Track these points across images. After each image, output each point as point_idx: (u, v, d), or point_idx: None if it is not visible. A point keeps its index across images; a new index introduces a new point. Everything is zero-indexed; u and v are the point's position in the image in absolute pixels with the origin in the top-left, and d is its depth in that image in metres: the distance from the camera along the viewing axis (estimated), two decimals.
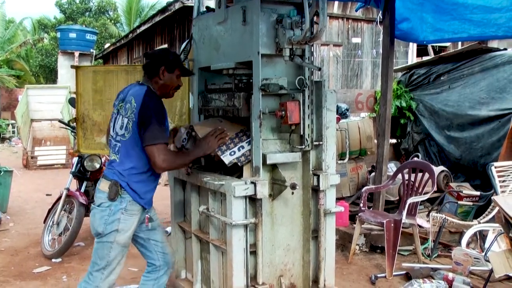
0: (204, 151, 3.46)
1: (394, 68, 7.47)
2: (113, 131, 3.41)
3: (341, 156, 6.30)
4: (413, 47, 13.24)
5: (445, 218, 5.64)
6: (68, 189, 5.84)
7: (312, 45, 3.60)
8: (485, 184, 6.59)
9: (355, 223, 5.61)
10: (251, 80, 3.52)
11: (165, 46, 14.68)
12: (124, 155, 3.30)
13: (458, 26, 5.98)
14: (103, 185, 3.31)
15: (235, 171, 3.75)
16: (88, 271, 3.41)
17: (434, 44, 11.02)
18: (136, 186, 3.30)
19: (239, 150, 3.60)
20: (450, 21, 5.98)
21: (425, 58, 10.08)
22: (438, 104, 7.97)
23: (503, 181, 5.14)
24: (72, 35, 19.02)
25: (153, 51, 3.70)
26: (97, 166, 6.00)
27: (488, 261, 4.42)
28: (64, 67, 17.99)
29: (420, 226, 5.69)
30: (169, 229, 5.81)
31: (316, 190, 3.71)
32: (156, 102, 3.31)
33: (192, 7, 4.47)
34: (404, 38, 6.66)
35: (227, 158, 3.55)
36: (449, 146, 7.72)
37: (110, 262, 3.33)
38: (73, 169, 6.06)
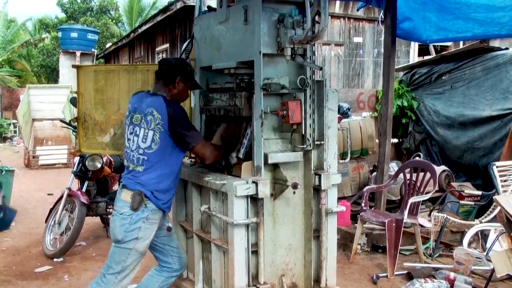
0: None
1: (396, 67, 7.46)
2: (132, 144, 3.44)
3: (342, 155, 6.30)
4: (414, 47, 13.21)
5: (446, 217, 5.64)
6: (69, 189, 5.84)
7: (314, 45, 3.60)
8: (487, 183, 6.59)
9: (356, 223, 5.61)
10: (252, 80, 3.52)
11: (167, 45, 14.68)
12: (150, 166, 3.38)
13: (462, 25, 5.98)
14: (125, 195, 3.36)
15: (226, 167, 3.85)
16: (101, 273, 3.45)
17: (436, 44, 11.00)
18: (161, 193, 3.40)
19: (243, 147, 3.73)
20: (454, 20, 5.97)
21: (426, 58, 10.06)
22: (440, 104, 7.96)
23: (505, 180, 5.14)
24: (74, 34, 19.02)
25: (171, 59, 3.86)
26: (99, 165, 6.00)
27: (489, 260, 4.41)
28: (66, 67, 17.98)
29: (421, 226, 5.68)
30: None
31: (317, 190, 3.71)
32: (179, 108, 3.48)
33: (193, 6, 4.47)
34: (406, 37, 6.65)
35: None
36: (452, 145, 7.71)
37: (125, 268, 3.40)
38: (74, 169, 6.06)
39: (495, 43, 8.95)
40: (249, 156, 3.68)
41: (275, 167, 3.60)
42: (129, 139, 3.49)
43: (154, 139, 3.36)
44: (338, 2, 12.02)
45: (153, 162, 3.37)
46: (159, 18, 13.82)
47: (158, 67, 3.63)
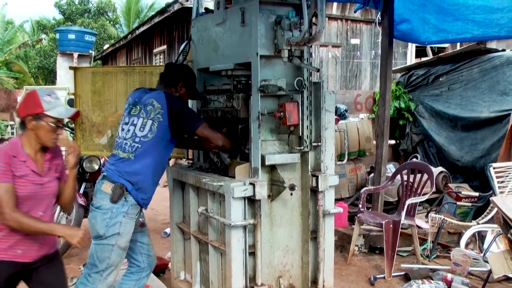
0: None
1: (393, 69, 7.48)
2: (127, 133, 3.45)
3: (340, 157, 6.29)
4: (412, 48, 13.24)
5: (444, 219, 5.65)
6: None
7: (311, 46, 3.60)
8: (484, 185, 6.60)
9: (354, 224, 5.62)
10: (250, 81, 3.52)
11: (164, 47, 14.69)
12: (142, 154, 3.37)
13: (461, 26, 6.00)
14: (106, 187, 3.33)
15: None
16: (85, 273, 3.45)
17: (433, 45, 11.02)
18: (142, 188, 3.39)
19: None
20: (453, 21, 5.99)
21: (423, 59, 10.08)
22: (439, 106, 7.97)
23: (502, 182, 5.14)
24: (71, 36, 18.99)
25: (176, 64, 3.91)
26: (96, 167, 5.99)
27: (486, 261, 4.42)
28: (63, 68, 17.95)
29: (419, 227, 5.70)
30: (168, 230, 5.82)
31: (315, 191, 3.71)
32: (180, 100, 3.55)
33: (191, 8, 4.47)
34: (403, 38, 6.68)
35: None
36: (449, 147, 7.72)
37: (110, 265, 3.39)
38: None
39: (492, 45, 8.97)
40: (242, 157, 3.71)
41: (272, 168, 3.60)
42: (123, 129, 3.50)
43: (152, 128, 3.38)
44: (335, 4, 12.04)
45: (146, 151, 3.37)
46: (156, 20, 13.82)
47: (164, 69, 3.73)
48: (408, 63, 12.17)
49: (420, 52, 13.11)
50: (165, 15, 12.89)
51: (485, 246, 4.93)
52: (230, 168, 3.76)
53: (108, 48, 22.00)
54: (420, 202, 5.68)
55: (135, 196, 3.36)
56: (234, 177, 3.60)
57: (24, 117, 2.81)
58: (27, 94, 2.89)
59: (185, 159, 4.41)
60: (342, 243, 5.84)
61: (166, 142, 3.46)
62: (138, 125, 3.43)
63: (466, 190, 6.74)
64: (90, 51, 19.53)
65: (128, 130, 3.46)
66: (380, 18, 6.35)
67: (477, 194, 6.52)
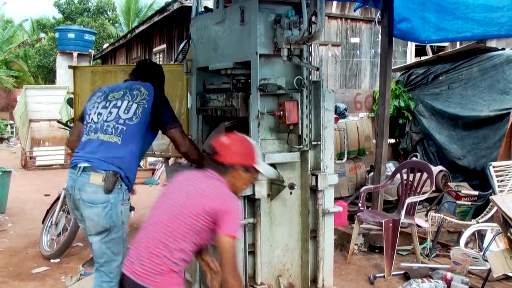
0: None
1: (393, 68, 7.48)
2: (109, 115, 3.36)
3: (339, 156, 6.29)
4: (411, 47, 13.24)
5: (443, 217, 5.64)
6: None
7: (310, 45, 3.61)
8: (484, 183, 6.59)
9: (353, 223, 5.62)
10: (249, 80, 3.52)
11: (164, 46, 14.69)
12: (128, 139, 3.29)
13: (461, 25, 5.99)
14: (95, 178, 3.18)
15: None
16: (101, 274, 3.34)
17: (433, 44, 11.03)
18: (131, 173, 3.31)
19: None
20: (453, 20, 5.99)
21: (423, 58, 10.08)
22: (439, 105, 7.97)
23: (501, 180, 5.14)
24: (71, 35, 18.99)
25: (152, 62, 3.89)
26: None
27: (486, 260, 4.42)
28: (63, 68, 17.95)
29: (418, 226, 5.69)
30: None
31: (314, 190, 3.71)
32: (167, 99, 3.52)
33: (190, 7, 4.47)
34: (403, 37, 6.68)
35: None
36: (450, 146, 7.72)
37: (122, 254, 3.32)
38: None
39: (491, 44, 8.96)
40: None
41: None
42: (100, 113, 3.39)
43: (137, 112, 3.33)
44: (335, 3, 12.03)
45: (132, 135, 3.30)
46: (156, 19, 13.82)
47: (140, 66, 3.72)
48: (408, 62, 12.17)
49: (419, 51, 13.11)
50: (165, 14, 12.90)
51: (485, 245, 4.93)
52: None
53: (107, 47, 22.00)
54: (420, 201, 5.68)
55: (126, 183, 3.27)
56: None
57: (235, 163, 2.68)
58: (241, 141, 2.77)
59: (184, 159, 4.40)
60: (342, 242, 5.84)
61: (147, 129, 3.40)
62: (122, 107, 3.36)
63: (466, 189, 6.73)
64: (90, 50, 19.53)
65: (110, 113, 3.36)
66: (379, 17, 6.35)
67: (476, 193, 6.52)
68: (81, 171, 3.22)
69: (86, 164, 3.22)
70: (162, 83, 3.81)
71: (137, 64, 3.81)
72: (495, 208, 4.83)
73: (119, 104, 3.38)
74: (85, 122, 3.48)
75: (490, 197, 5.05)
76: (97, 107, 3.45)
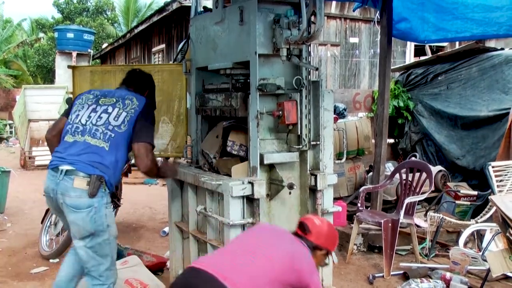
0: (168, 176, 3.97)
1: (392, 68, 7.47)
2: (98, 120, 3.37)
3: (338, 156, 6.30)
4: (410, 47, 13.24)
5: (442, 217, 5.65)
6: None
7: (310, 45, 3.61)
8: (483, 183, 6.60)
9: (352, 223, 5.62)
10: (248, 80, 3.52)
11: (163, 46, 14.68)
12: (115, 146, 3.30)
13: (461, 25, 6.00)
14: (80, 182, 3.15)
15: None
16: (92, 277, 3.35)
17: (432, 44, 11.03)
18: (114, 179, 3.33)
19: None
20: (452, 20, 5.99)
21: (422, 58, 10.08)
22: (438, 105, 7.97)
23: (500, 180, 5.15)
24: (70, 35, 18.96)
25: (143, 72, 3.90)
26: None
27: (485, 260, 4.43)
28: (62, 67, 17.94)
29: (417, 226, 5.69)
30: (166, 229, 5.81)
31: (313, 190, 3.71)
32: (154, 115, 3.55)
33: (189, 7, 4.47)
34: (402, 37, 6.68)
35: None
36: (450, 145, 7.72)
37: (112, 257, 3.38)
38: None
39: (490, 44, 8.97)
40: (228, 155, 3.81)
41: (271, 167, 3.60)
42: (89, 116, 3.39)
43: (125, 120, 3.35)
44: (334, 3, 12.02)
45: (119, 142, 3.32)
46: (155, 19, 13.82)
47: (131, 75, 3.76)
48: (407, 62, 12.17)
49: (419, 51, 13.11)
50: (164, 14, 12.89)
51: (484, 244, 4.93)
52: (220, 166, 3.82)
53: (106, 47, 21.99)
54: (419, 201, 5.68)
55: (110, 187, 3.28)
56: (226, 174, 3.63)
57: (324, 247, 2.96)
58: (332, 228, 3.07)
59: (183, 158, 4.40)
60: (341, 242, 5.83)
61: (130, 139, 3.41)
62: (113, 114, 3.38)
63: (465, 189, 6.74)
64: (89, 50, 19.52)
65: (100, 117, 3.37)
66: (379, 17, 6.35)
67: (475, 193, 6.53)
68: (63, 175, 3.19)
69: (69, 167, 3.20)
70: (153, 92, 3.86)
71: (127, 74, 3.83)
72: (494, 208, 4.84)
73: (110, 110, 3.40)
74: (70, 121, 3.45)
75: (489, 197, 5.06)
76: (87, 109, 3.45)
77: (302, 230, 2.96)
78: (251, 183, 3.38)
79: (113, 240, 3.36)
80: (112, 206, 3.38)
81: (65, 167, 3.20)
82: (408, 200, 5.29)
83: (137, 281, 4.18)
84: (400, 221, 5.10)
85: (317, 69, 4.00)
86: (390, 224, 5.02)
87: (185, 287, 2.58)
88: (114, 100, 3.46)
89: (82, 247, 3.27)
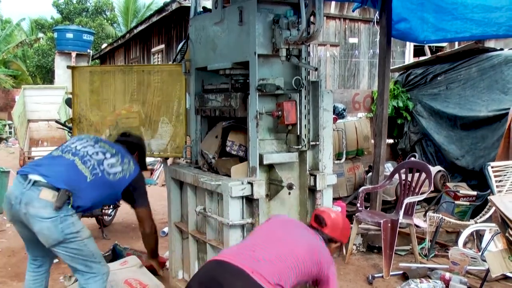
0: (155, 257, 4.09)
1: (391, 68, 7.48)
2: (96, 155, 3.44)
3: (338, 156, 6.30)
4: (410, 47, 13.25)
5: (442, 218, 5.65)
6: None
7: (309, 45, 3.61)
8: (482, 184, 6.60)
9: (352, 223, 5.61)
10: (247, 80, 3.52)
11: (162, 46, 14.68)
12: (96, 185, 3.35)
13: (460, 25, 6.00)
14: (46, 194, 3.13)
15: None
16: (82, 274, 3.37)
17: (431, 44, 11.04)
18: (83, 205, 3.32)
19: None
20: (452, 20, 5.99)
21: (422, 58, 10.09)
22: (437, 105, 7.97)
23: (500, 181, 5.15)
24: (69, 35, 18.98)
25: (136, 135, 4.14)
26: None
27: (484, 260, 4.42)
28: (61, 68, 17.96)
29: (417, 226, 5.69)
30: (166, 229, 5.81)
31: (313, 190, 3.71)
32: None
33: (189, 7, 4.47)
34: (402, 37, 6.68)
35: None
36: (449, 146, 7.73)
37: (96, 254, 3.39)
38: None
39: (490, 44, 8.98)
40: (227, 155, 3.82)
41: (270, 167, 3.60)
42: (85, 147, 3.48)
43: (117, 174, 3.46)
44: (333, 3, 12.04)
45: (100, 184, 3.37)
46: (154, 19, 13.82)
47: (124, 135, 3.98)
48: (406, 62, 12.18)
49: (418, 51, 13.12)
50: (163, 14, 12.89)
51: (483, 245, 4.93)
52: (219, 167, 3.83)
53: (106, 47, 21.99)
54: (418, 201, 5.68)
55: (75, 208, 3.25)
56: (226, 175, 3.64)
57: (339, 240, 3.07)
58: (346, 221, 3.17)
59: (183, 158, 4.40)
60: None
61: (114, 191, 3.53)
62: (110, 161, 3.47)
63: (464, 189, 6.74)
64: (88, 50, 19.54)
65: (97, 153, 3.45)
66: (378, 17, 6.35)
67: (475, 193, 6.53)
68: (31, 184, 3.16)
69: (38, 178, 3.18)
70: (143, 154, 4.03)
71: (121, 135, 4.01)
72: (494, 208, 4.84)
73: (108, 156, 3.49)
74: (64, 144, 3.58)
75: (488, 197, 5.06)
76: (85, 142, 3.55)
77: (318, 223, 3.01)
78: (251, 184, 3.38)
79: (88, 241, 3.32)
80: (79, 213, 3.37)
81: (34, 177, 3.18)
82: (407, 200, 5.29)
83: (136, 281, 4.18)
84: (400, 221, 5.10)
85: (316, 69, 4.00)
86: (389, 224, 5.02)
87: (212, 280, 2.53)
88: (114, 151, 3.56)
89: (59, 253, 3.28)
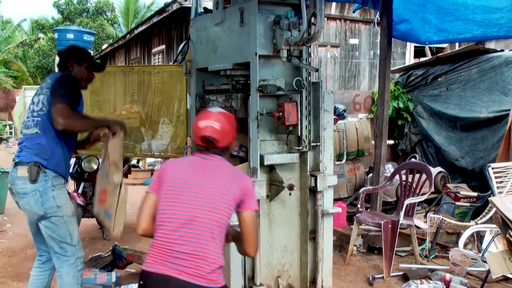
0: (104, 124, 3.57)
1: (392, 69, 7.48)
2: (29, 112, 3.45)
3: (338, 157, 6.30)
4: (410, 48, 13.24)
5: (442, 219, 5.65)
6: None
7: (310, 46, 3.61)
8: (483, 185, 6.60)
9: (352, 224, 5.62)
10: (248, 81, 3.52)
11: (163, 47, 14.68)
12: (45, 128, 3.34)
13: (462, 26, 5.99)
14: (21, 171, 3.29)
15: None
16: (58, 255, 3.42)
17: (432, 45, 11.03)
18: (56, 158, 3.35)
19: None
20: (454, 21, 5.99)
21: (422, 59, 10.08)
22: (438, 106, 7.97)
23: (500, 182, 5.14)
24: (70, 36, 18.84)
25: (64, 50, 3.82)
26: (95, 167, 5.99)
27: (485, 262, 4.42)
28: None
29: (417, 227, 5.69)
30: None
31: (313, 191, 3.72)
32: (70, 79, 3.46)
33: (190, 8, 4.47)
34: (403, 38, 6.68)
35: None
36: (449, 147, 7.72)
37: (73, 236, 3.42)
38: (70, 170, 6.05)
39: (490, 45, 8.97)
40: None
41: (271, 168, 3.60)
42: (29, 109, 3.49)
43: (44, 102, 3.38)
44: (334, 4, 12.03)
45: (46, 124, 3.33)
46: (155, 20, 13.81)
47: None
48: (407, 63, 12.18)
49: (418, 52, 13.11)
50: (164, 15, 12.88)
51: (484, 246, 4.93)
52: None
53: (106, 48, 21.98)
54: (419, 202, 5.68)
55: (53, 168, 3.32)
56: None
57: (231, 143, 2.64)
58: (228, 118, 2.63)
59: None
60: (341, 243, 5.84)
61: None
62: (35, 102, 3.45)
63: (465, 190, 6.74)
64: (89, 51, 19.53)
65: (29, 110, 3.47)
66: (378, 18, 6.35)
67: (475, 194, 6.52)
68: (13, 167, 3.39)
69: (16, 160, 3.38)
70: (78, 56, 3.62)
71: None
72: (494, 209, 4.84)
73: (35, 100, 3.47)
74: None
75: (489, 198, 5.05)
76: (36, 106, 3.52)
77: (208, 143, 2.55)
78: None
79: (69, 220, 3.38)
80: (65, 188, 3.43)
81: (15, 160, 3.40)
82: (408, 201, 5.29)
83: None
84: (400, 222, 5.10)
85: (317, 70, 4.01)
86: (390, 225, 5.02)
87: None
88: (38, 91, 3.51)
89: (41, 229, 3.39)
